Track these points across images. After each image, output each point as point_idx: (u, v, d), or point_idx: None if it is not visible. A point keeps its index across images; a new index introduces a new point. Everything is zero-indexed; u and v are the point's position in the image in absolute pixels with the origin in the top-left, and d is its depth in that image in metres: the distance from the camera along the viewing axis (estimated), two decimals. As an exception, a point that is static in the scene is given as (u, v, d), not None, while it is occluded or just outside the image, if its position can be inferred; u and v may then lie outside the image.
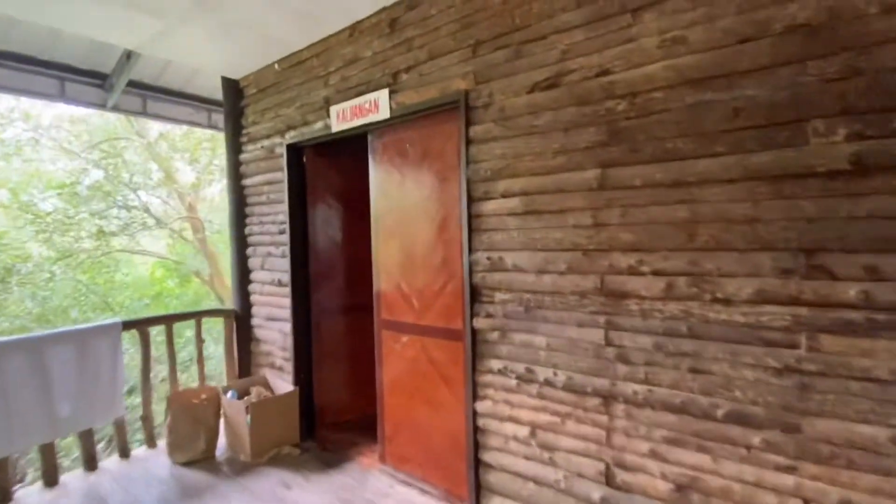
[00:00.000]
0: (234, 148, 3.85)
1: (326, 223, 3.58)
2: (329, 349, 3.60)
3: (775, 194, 1.55)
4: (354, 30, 2.86)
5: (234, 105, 3.81)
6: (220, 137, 9.24)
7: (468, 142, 2.32)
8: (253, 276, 3.83)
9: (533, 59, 2.09)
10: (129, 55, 3.75)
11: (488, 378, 2.32)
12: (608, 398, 1.94)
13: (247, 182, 3.81)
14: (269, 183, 3.60)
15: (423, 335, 2.70)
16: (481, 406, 2.35)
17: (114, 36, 3.06)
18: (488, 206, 2.27)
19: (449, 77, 2.40)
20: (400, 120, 2.68)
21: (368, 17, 2.77)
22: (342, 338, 3.68)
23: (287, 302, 3.49)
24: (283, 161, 3.42)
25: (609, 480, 1.95)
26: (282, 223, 3.50)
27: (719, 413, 1.68)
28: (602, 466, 1.97)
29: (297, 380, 3.44)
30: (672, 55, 1.72)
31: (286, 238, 3.45)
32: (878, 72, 1.38)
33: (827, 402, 1.49)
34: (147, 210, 9.12)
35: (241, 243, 3.87)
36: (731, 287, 1.64)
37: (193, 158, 9.16)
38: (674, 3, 1.72)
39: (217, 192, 9.77)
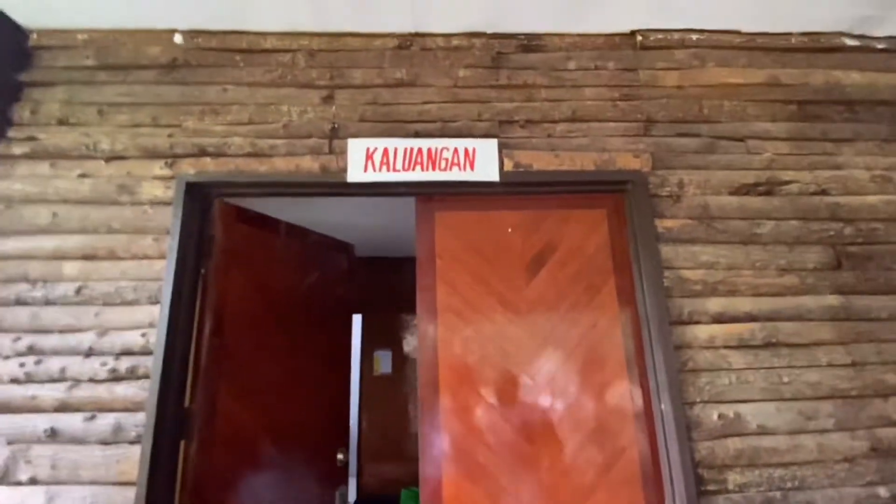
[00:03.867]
0: (-37, 161, 1.55)
1: (243, 362, 1.72)
2: None
3: None
4: (411, 42, 1.80)
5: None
6: None
7: (657, 239, 1.62)
8: (-59, 509, 1.33)
9: (732, 157, 1.74)
10: None
11: None
12: None
13: (-6, 247, 1.52)
14: (93, 256, 1.54)
15: (558, 579, 1.41)
16: None
17: None
18: (699, 334, 1.55)
19: (607, 149, 1.72)
20: (505, 189, 1.69)
21: (446, 35, 1.82)
22: None
23: (100, 572, 1.30)
24: (172, 216, 1.56)
25: None
26: (128, 353, 1.45)
27: None
28: None
29: None
30: (886, 191, 1.73)
31: (139, 391, 1.42)
32: None
33: None
34: None
35: None
36: None
37: None
38: (865, 146, 1.80)
39: None
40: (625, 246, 1.69)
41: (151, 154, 1.63)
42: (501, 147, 1.69)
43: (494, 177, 1.65)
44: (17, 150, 1.61)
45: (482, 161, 1.66)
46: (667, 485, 1.45)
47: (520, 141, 1.71)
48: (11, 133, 1.63)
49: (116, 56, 1.72)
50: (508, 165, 1.67)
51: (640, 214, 1.65)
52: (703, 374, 1.52)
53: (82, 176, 1.60)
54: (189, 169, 1.62)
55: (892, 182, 1.75)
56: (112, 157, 1.63)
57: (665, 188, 1.69)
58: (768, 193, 1.70)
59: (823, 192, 1.72)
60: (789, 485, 1.45)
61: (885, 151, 1.79)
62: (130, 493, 1.35)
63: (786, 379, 1.53)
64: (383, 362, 5.48)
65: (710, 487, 1.43)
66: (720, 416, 1.48)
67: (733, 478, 1.44)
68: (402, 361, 5.57)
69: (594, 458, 1.50)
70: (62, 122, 1.65)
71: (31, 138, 1.63)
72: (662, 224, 1.65)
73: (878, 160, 1.77)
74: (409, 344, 5.68)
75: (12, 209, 1.56)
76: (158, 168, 1.62)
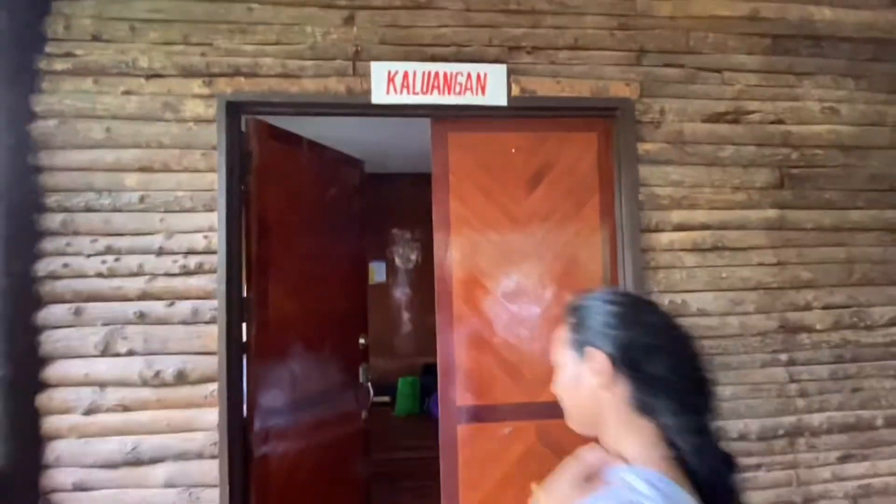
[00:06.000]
0: (9, 76, 1.65)
1: (283, 262, 2.02)
2: (286, 495, 1.96)
3: (895, 242, 2.06)
4: (427, -38, 1.88)
5: (21, -17, 1.68)
6: None
7: (637, 160, 1.92)
8: (59, 370, 1.68)
9: (709, 88, 1.98)
10: None
11: (668, 450, 1.88)
12: (793, 435, 1.95)
13: (59, 159, 1.70)
14: (150, 169, 1.74)
15: (541, 418, 1.91)
16: (662, 489, 1.86)
17: None
18: (662, 240, 1.92)
19: (602, 77, 1.93)
20: (512, 113, 1.91)
21: (460, -44, 1.89)
22: (313, 466, 2.10)
23: (190, 417, 1.71)
24: (217, 133, 1.75)
25: (801, 521, 1.93)
26: (194, 252, 1.73)
27: (878, 422, 2.00)
28: (793, 509, 1.93)
29: (236, 572, 1.69)
30: (831, 121, 2.03)
31: (208, 283, 1.73)
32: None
33: (931, 394, 2.04)
34: None
35: (10, 298, 1.63)
36: (875, 314, 2.02)
37: None
38: (822, 79, 2.05)
39: None
40: (610, 166, 1.98)
41: (188, 73, 1.76)
42: (510, 73, 1.88)
43: (503, 101, 1.86)
44: (59, 65, 1.71)
45: (492, 86, 1.85)
46: (625, 351, 1.92)
47: (526, 67, 1.90)
48: (49, 48, 1.71)
49: (141, -31, 1.75)
50: (515, 91, 1.88)
51: (625, 138, 1.92)
52: (661, 271, 1.92)
53: (126, 93, 1.73)
54: (226, 88, 1.77)
55: (838, 113, 2.04)
56: (151, 75, 1.75)
57: (648, 115, 1.94)
58: (734, 122, 1.98)
59: (780, 122, 2.01)
60: (715, 352, 1.93)
61: (839, 85, 2.06)
62: (212, 359, 1.72)
63: (724, 275, 1.94)
64: (377, 272, 5.93)
65: (657, 353, 1.90)
66: (670, 302, 1.90)
67: (675, 346, 1.91)
68: (394, 272, 6.04)
69: (572, 334, 1.94)
70: (96, 37, 1.74)
71: (70, 54, 1.72)
72: (643, 147, 1.93)
73: (831, 93, 2.05)
74: (401, 256, 6.10)
75: (67, 124, 1.71)
76: (197, 87, 1.76)
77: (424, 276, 5.56)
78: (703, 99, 1.97)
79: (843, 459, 1.96)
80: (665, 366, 0.60)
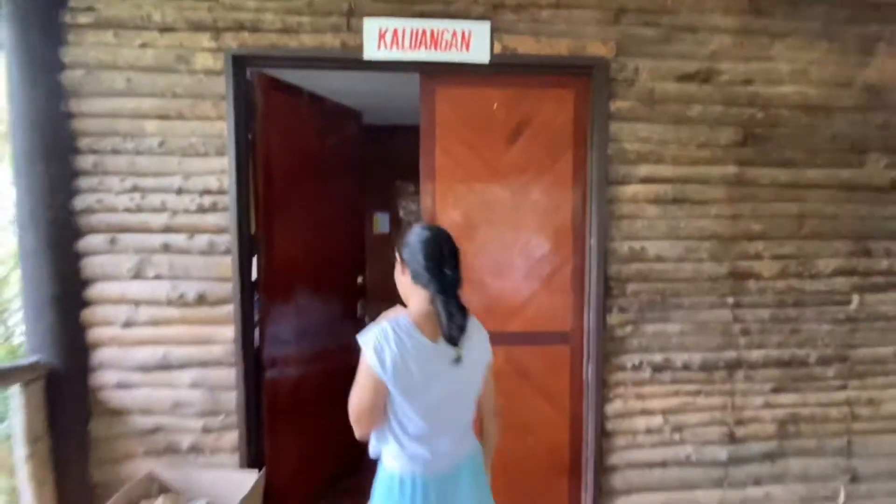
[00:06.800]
0: (41, 29, 1.84)
1: (287, 204, 2.26)
2: (291, 402, 2.31)
3: (847, 200, 2.22)
4: (417, -81, 1.97)
5: (43, -61, 1.83)
6: None
7: (609, 117, 2.07)
8: (99, 290, 1.98)
9: (683, 48, 2.09)
10: None
11: (619, 377, 2.17)
12: (732, 367, 2.22)
13: (87, 106, 1.92)
14: (166, 116, 1.95)
15: (508, 345, 2.19)
16: (611, 408, 2.17)
17: None
18: (627, 192, 2.11)
19: (581, 36, 2.05)
20: (494, 69, 2.06)
21: (449, -87, 1.97)
22: (314, 383, 2.45)
23: (210, 333, 2.02)
24: (226, 85, 1.94)
25: (732, 439, 2.24)
26: (208, 192, 1.98)
27: (811, 359, 2.25)
28: (726, 429, 2.23)
29: (251, 457, 2.06)
30: (798, 82, 2.14)
31: (221, 220, 1.99)
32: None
33: (863, 337, 2.27)
34: None
35: (55, 228, 1.91)
36: (820, 265, 2.22)
37: None
38: (796, 41, 2.14)
39: None
40: (584, 122, 2.13)
41: (197, 27, 1.93)
42: (493, 30, 2.01)
43: (485, 59, 2.01)
44: (83, 19, 1.89)
45: (476, 44, 1.99)
46: (587, 290, 2.17)
47: (509, 25, 2.02)
48: (72, 2, 1.89)
49: (150, -74, 1.88)
50: (497, 48, 2.02)
51: (600, 96, 2.06)
52: (625, 220, 2.12)
53: (143, 46, 1.92)
54: (231, 42, 1.94)
55: (807, 75, 2.15)
56: (164, 29, 1.92)
57: (623, 73, 2.07)
58: (705, 81, 2.11)
59: (748, 82, 2.12)
60: (668, 292, 2.17)
61: (811, 47, 2.15)
62: (227, 285, 2.01)
63: (682, 224, 2.14)
64: (381, 223, 6.18)
65: (615, 293, 2.14)
66: (630, 249, 2.12)
67: (631, 287, 2.15)
68: (398, 222, 6.27)
69: (542, 273, 2.18)
70: (116, -7, 1.90)
71: (91, 8, 1.89)
72: (615, 105, 2.08)
73: (802, 54, 2.14)
74: (404, 207, 6.30)
75: (92, 74, 1.91)
76: (206, 41, 1.93)
77: (426, 227, 5.79)
78: (676, 59, 2.09)
79: (776, 391, 2.24)
80: (422, 259, 1.11)
